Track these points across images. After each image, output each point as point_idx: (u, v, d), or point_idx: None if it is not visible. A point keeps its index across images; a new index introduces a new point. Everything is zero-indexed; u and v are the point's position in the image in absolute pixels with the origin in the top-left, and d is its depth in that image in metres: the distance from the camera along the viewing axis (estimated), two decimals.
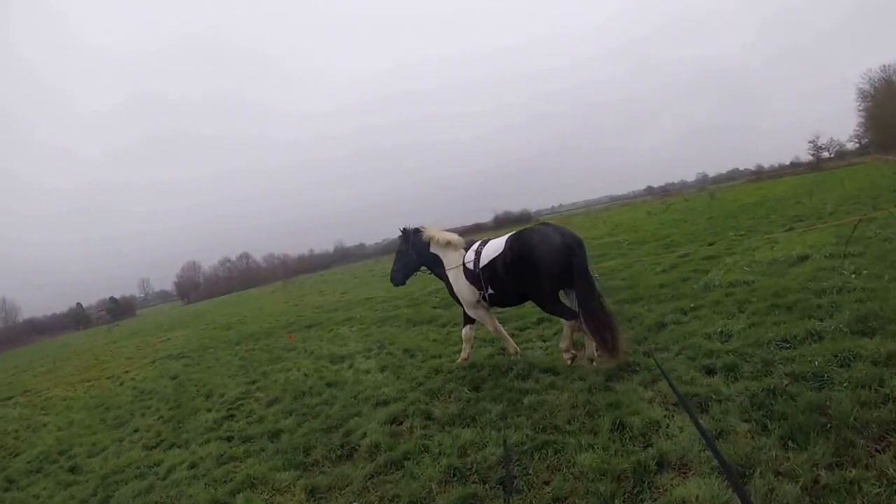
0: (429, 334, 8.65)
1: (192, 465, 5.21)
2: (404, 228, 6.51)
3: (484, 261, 5.53)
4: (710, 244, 11.45)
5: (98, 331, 48.80)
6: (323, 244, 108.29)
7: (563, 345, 5.27)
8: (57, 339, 52.50)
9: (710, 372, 4.30)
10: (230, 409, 6.98)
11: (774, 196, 24.15)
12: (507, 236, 5.48)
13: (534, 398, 4.59)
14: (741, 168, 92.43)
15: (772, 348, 4.41)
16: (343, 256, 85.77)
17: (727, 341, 4.86)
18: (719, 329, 5.19)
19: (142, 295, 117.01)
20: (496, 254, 5.41)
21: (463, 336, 6.16)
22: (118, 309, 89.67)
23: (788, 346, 4.40)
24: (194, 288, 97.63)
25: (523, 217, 79.72)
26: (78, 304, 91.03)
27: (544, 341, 6.59)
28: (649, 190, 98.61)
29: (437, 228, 6.22)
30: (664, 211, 29.80)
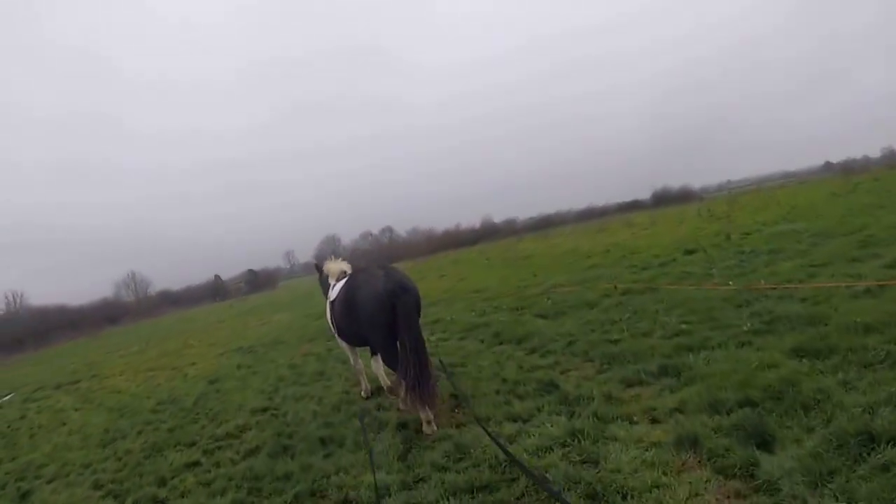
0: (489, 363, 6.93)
1: None
2: (315, 265, 7.96)
3: (331, 297, 6.48)
4: None
5: (225, 305, 54.44)
6: (472, 218, 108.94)
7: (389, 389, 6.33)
8: (188, 311, 59.90)
9: None
10: (208, 448, 6.23)
11: None
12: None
13: None
14: None
15: None
16: (491, 232, 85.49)
17: None
18: None
19: (288, 266, 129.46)
20: (336, 293, 6.30)
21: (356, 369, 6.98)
22: (256, 281, 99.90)
23: None
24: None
25: (683, 194, 75.06)
26: (216, 276, 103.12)
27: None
28: (827, 166, 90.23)
29: (335, 263, 7.16)
30: (851, 192, 24.07)
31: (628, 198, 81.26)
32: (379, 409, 6.19)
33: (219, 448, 6.10)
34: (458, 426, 5.16)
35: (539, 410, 5.09)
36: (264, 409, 7.17)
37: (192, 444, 6.49)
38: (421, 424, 5.17)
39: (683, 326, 6.80)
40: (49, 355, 32.81)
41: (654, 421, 4.47)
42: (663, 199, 73.02)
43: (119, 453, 6.83)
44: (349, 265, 7.08)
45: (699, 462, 3.59)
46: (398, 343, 5.23)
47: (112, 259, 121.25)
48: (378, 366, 6.54)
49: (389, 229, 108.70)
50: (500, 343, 8.23)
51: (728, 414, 4.10)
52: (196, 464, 5.77)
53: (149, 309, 67.58)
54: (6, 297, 64.71)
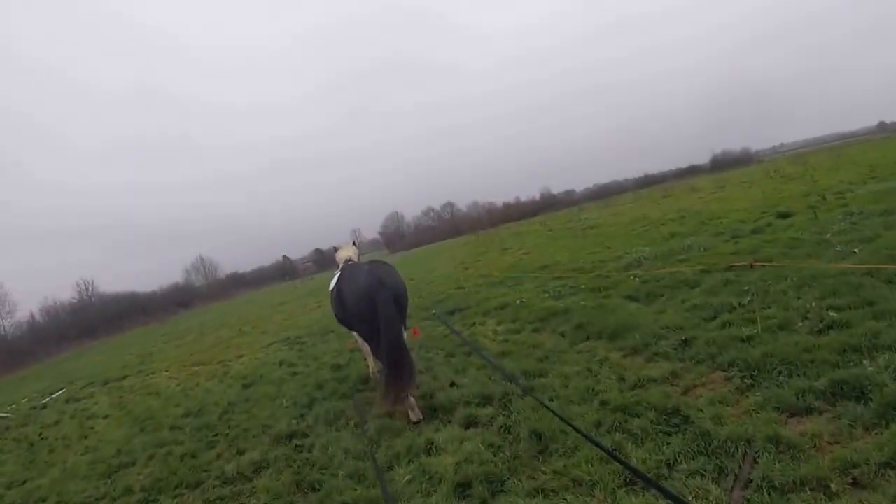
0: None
1: None
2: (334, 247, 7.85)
3: (331, 286, 6.71)
4: None
5: (290, 286, 54.58)
6: (531, 191, 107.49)
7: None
8: (256, 292, 60.59)
9: None
10: (210, 498, 4.80)
11: None
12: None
13: None
14: None
15: None
16: (550, 203, 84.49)
17: None
18: None
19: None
20: (333, 283, 6.63)
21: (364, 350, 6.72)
22: (324, 260, 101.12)
23: None
24: (399, 238, 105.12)
25: (743, 157, 73.73)
26: (284, 256, 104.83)
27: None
28: (882, 126, 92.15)
29: (344, 249, 7.30)
30: None
31: (683, 163, 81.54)
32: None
33: (221, 500, 4.64)
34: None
35: (670, 467, 3.34)
36: (290, 437, 5.65)
37: (197, 485, 5.07)
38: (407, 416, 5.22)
39: (833, 315, 4.91)
40: (116, 344, 33.34)
41: (857, 485, 2.79)
42: (722, 164, 71.93)
43: (117, 490, 5.50)
44: (356, 253, 7.31)
45: None
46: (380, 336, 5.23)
47: (182, 244, 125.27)
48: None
49: (451, 204, 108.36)
50: (587, 338, 6.45)
51: None
52: None
53: (219, 292, 69.05)
54: (78, 286, 66.24)
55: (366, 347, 6.23)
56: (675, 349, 5.28)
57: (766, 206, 14.18)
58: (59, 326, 54.20)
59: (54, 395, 13.81)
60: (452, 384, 5.80)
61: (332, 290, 6.47)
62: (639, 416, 4.07)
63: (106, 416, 9.51)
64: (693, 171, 73.60)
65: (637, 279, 8.72)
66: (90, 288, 66.62)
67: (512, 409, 4.75)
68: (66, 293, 66.90)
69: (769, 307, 5.62)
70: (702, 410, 3.91)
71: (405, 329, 5.64)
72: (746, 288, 6.56)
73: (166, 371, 13.12)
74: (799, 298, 5.68)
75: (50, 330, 52.84)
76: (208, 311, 43.75)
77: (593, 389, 4.78)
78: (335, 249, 7.62)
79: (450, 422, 4.89)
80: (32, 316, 57.94)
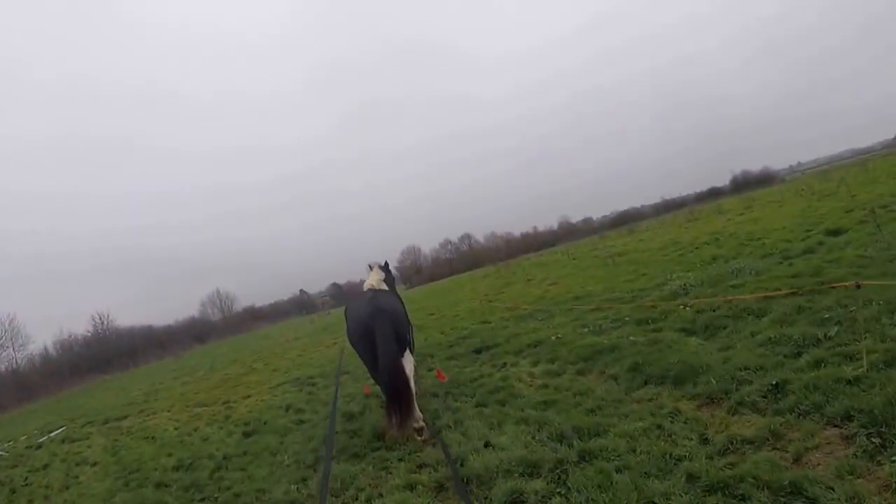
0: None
1: None
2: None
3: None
4: None
5: (306, 320, 53.75)
6: (548, 221, 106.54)
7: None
8: (271, 326, 59.80)
9: None
10: None
11: None
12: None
13: None
14: None
15: None
16: (569, 233, 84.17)
17: None
18: None
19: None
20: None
21: None
22: (341, 294, 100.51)
23: None
24: (416, 272, 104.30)
25: (764, 177, 72.77)
26: (301, 290, 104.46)
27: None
28: None
29: (371, 277, 7.23)
30: None
31: (701, 187, 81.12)
32: None
33: None
34: None
35: None
36: None
37: None
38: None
39: None
40: (127, 378, 32.51)
41: None
42: (743, 184, 70.93)
43: None
44: (379, 280, 7.17)
45: None
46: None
47: (200, 278, 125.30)
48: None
49: (468, 236, 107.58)
50: (645, 382, 5.38)
51: None
52: None
53: (235, 325, 68.40)
54: (93, 319, 65.54)
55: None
56: (765, 397, 4.24)
57: (808, 224, 13.41)
58: (72, 360, 53.51)
59: (52, 434, 12.95)
60: (487, 444, 4.70)
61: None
62: (747, 500, 3.01)
63: (95, 464, 8.63)
64: (714, 193, 72.75)
65: (688, 309, 7.66)
66: (105, 321, 66.13)
67: (569, 482, 3.68)
68: (81, 326, 66.76)
69: (864, 338, 4.55)
70: (832, 488, 2.88)
71: (412, 353, 6.07)
72: (827, 315, 5.59)
73: (168, 411, 12.19)
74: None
75: (63, 363, 52.13)
76: (222, 346, 42.92)
77: (671, 455, 3.70)
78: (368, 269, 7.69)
79: (488, 499, 3.81)
80: (46, 349, 57.49)
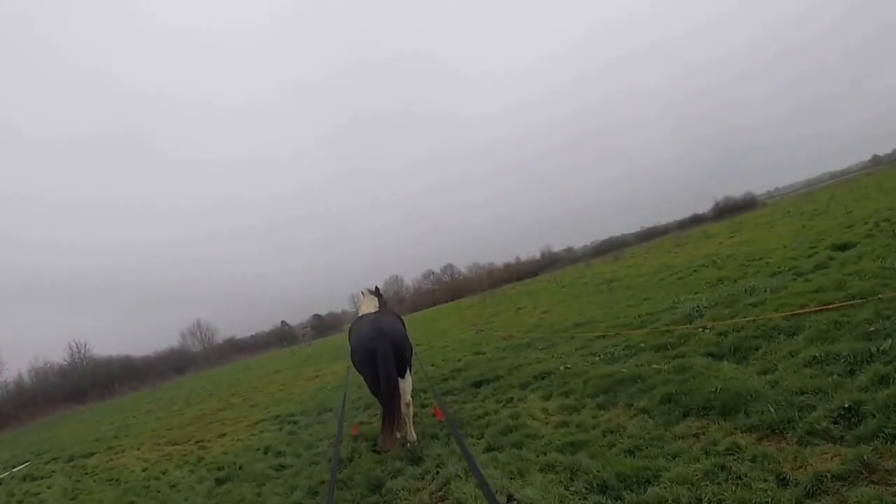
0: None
1: None
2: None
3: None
4: None
5: (286, 352, 52.42)
6: (530, 251, 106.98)
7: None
8: (252, 358, 58.26)
9: None
10: None
11: None
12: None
13: None
14: None
15: None
16: (551, 262, 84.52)
17: None
18: None
19: (354, 309, 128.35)
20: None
21: None
22: (322, 325, 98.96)
23: None
24: (398, 302, 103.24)
25: (747, 202, 72.61)
26: (282, 322, 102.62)
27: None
28: (876, 160, 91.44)
29: (365, 302, 7.73)
30: None
31: (682, 214, 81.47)
32: None
33: None
34: None
35: None
36: None
37: None
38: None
39: None
40: (100, 410, 31.02)
41: None
42: (724, 210, 71.41)
43: None
44: (373, 304, 7.59)
45: None
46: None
47: (180, 307, 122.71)
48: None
49: (450, 266, 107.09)
50: (685, 415, 4.63)
51: None
52: None
53: (215, 357, 66.67)
54: (70, 347, 63.51)
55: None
56: (836, 423, 3.60)
57: (808, 241, 13.26)
58: (47, 389, 51.42)
59: (15, 469, 11.97)
60: (511, 499, 3.85)
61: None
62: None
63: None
64: (696, 220, 73.42)
65: (709, 331, 7.05)
66: (82, 350, 63.91)
67: None
68: (58, 355, 64.44)
69: None
70: None
71: (411, 373, 6.28)
72: (872, 328, 5.06)
73: (137, 449, 11.18)
74: None
75: (37, 392, 50.10)
76: (201, 378, 41.42)
77: (751, 503, 2.97)
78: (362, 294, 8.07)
79: None
80: (21, 376, 55.32)
